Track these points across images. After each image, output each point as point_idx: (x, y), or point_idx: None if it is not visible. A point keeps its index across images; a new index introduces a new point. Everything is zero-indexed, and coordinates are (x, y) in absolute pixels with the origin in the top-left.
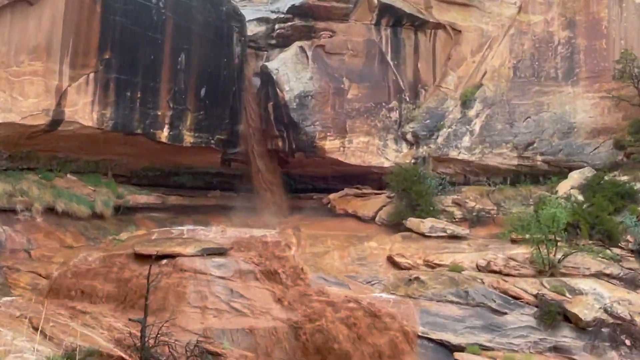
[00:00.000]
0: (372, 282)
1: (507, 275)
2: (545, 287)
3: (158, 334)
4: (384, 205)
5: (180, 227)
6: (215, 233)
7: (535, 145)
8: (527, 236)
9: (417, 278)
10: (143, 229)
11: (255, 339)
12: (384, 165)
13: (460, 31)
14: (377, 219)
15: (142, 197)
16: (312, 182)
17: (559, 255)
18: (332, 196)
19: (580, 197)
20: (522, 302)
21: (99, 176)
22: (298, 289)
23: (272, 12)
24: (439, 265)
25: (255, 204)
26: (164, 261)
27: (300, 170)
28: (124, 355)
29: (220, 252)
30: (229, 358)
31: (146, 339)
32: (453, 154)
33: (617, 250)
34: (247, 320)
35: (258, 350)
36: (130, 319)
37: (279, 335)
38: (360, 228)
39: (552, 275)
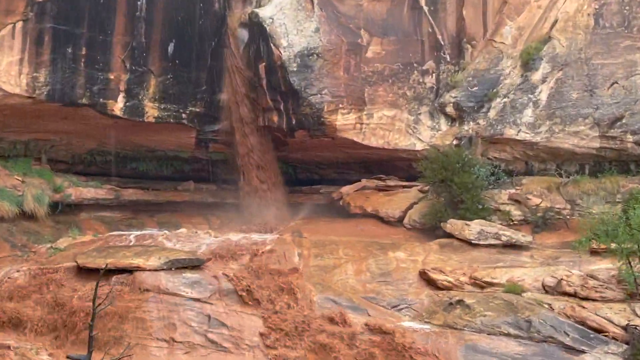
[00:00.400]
0: (399, 307)
1: (586, 299)
2: (638, 316)
3: None
4: (416, 203)
5: (140, 232)
6: (187, 239)
7: (624, 121)
8: (613, 246)
9: (460, 301)
10: (89, 234)
11: None
12: (416, 148)
13: None
14: (405, 220)
15: (89, 191)
16: (318, 170)
17: None
18: (345, 190)
19: None
20: (606, 336)
21: (29, 162)
22: (299, 315)
23: None
24: (491, 285)
25: (241, 201)
26: (118, 277)
27: (303, 154)
28: None
29: (195, 264)
30: None
31: None
32: (510, 132)
33: None
34: (230, 357)
35: None
36: (68, 357)
37: None
38: (383, 233)
39: None
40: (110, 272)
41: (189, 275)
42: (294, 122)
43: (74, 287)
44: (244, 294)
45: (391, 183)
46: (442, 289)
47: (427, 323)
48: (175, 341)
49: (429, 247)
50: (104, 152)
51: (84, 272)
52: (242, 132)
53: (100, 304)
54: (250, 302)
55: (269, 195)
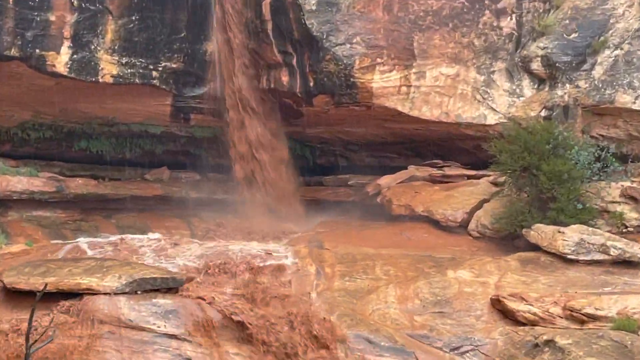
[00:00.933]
0: (462, 349)
1: None
2: None
3: None
4: (486, 200)
5: (92, 239)
6: (158, 249)
7: None
8: None
9: (550, 342)
10: (20, 242)
11: None
12: (487, 121)
13: None
14: (471, 225)
15: (19, 181)
16: (345, 153)
17: None
18: (384, 181)
19: None
20: None
21: None
22: (318, 358)
23: None
24: (594, 319)
25: (236, 196)
26: (62, 303)
27: (324, 130)
28: None
29: (170, 286)
30: None
31: None
32: (624, 99)
33: None
34: None
35: None
36: None
37: None
38: (438, 243)
39: None
40: (50, 296)
41: (162, 301)
42: (311, 84)
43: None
44: (239, 329)
45: (451, 172)
46: (523, 324)
47: None
48: None
49: (505, 263)
50: (41, 126)
51: (13, 295)
52: (236, 99)
53: (35, 342)
54: (247, 342)
55: (274, 188)
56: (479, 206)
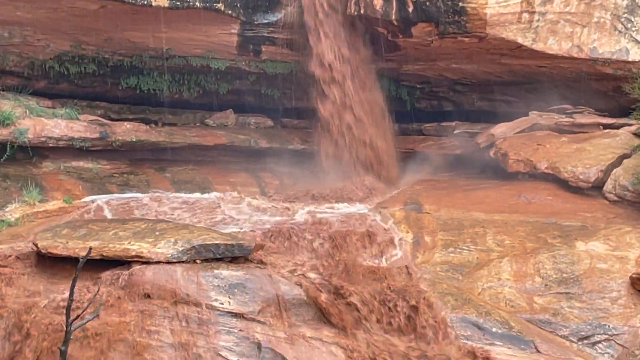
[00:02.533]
0: (593, 338)
1: None
2: None
3: None
4: (626, 155)
5: (142, 195)
6: (222, 209)
7: None
8: None
9: None
10: (58, 198)
11: None
12: (629, 57)
13: None
14: (607, 187)
15: (57, 125)
16: (451, 95)
17: None
18: (499, 130)
19: None
20: None
21: None
22: (413, 349)
23: None
24: None
25: (316, 147)
26: (106, 273)
27: (426, 67)
28: None
29: (236, 254)
30: None
31: None
32: None
33: None
34: None
35: None
36: None
37: None
38: (565, 208)
39: None
40: (92, 264)
41: (226, 273)
42: (410, 10)
43: (32, 288)
44: (320, 307)
45: (583, 120)
46: None
47: None
48: None
49: None
50: (82, 59)
51: (48, 262)
52: (318, 28)
53: (77, 318)
54: (330, 323)
55: (363, 138)
56: (617, 163)
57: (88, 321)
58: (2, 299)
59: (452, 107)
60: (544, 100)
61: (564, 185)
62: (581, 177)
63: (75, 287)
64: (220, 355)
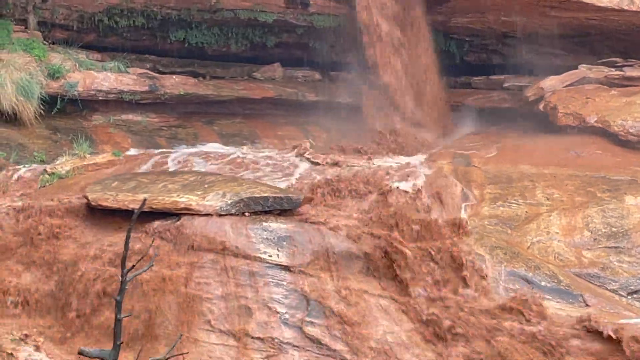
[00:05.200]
0: None
1: None
2: None
3: None
4: None
5: (191, 148)
6: (270, 165)
7: None
8: None
9: None
10: (107, 151)
11: None
12: None
13: None
14: None
15: (106, 78)
16: (500, 48)
17: None
18: (548, 84)
19: None
20: None
21: (8, 27)
22: (465, 300)
23: None
24: None
25: (364, 100)
26: (156, 224)
27: (475, 20)
28: None
29: (284, 207)
30: None
31: None
32: None
33: None
34: None
35: None
36: (81, 352)
37: None
38: (616, 162)
39: None
40: (141, 216)
41: (275, 225)
42: None
43: (83, 240)
44: (369, 260)
45: (633, 73)
46: None
47: None
48: (250, 337)
49: None
50: (131, 12)
51: (98, 215)
52: None
53: (132, 268)
54: (379, 276)
55: (412, 92)
56: None
57: (143, 271)
58: (54, 251)
59: (501, 60)
60: (593, 53)
61: (614, 139)
62: (631, 130)
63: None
64: (268, 307)
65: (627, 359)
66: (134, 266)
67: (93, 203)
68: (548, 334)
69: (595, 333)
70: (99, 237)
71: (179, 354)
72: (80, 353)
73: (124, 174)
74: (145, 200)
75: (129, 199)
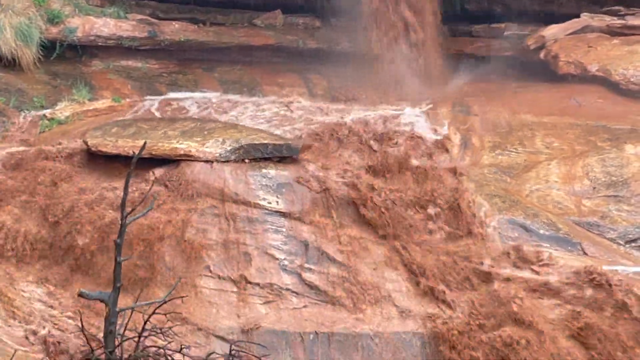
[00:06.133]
0: None
1: None
2: None
3: (143, 331)
4: None
5: (191, 95)
6: (270, 110)
7: None
8: None
9: None
10: (107, 97)
11: None
12: None
13: None
14: None
15: (105, 24)
16: None
17: None
18: (550, 32)
19: None
20: None
21: None
22: (460, 249)
23: None
24: None
25: (365, 48)
26: (156, 171)
27: None
28: None
29: (283, 155)
30: None
31: (117, 341)
32: None
33: None
34: (341, 316)
35: None
36: (81, 294)
37: (411, 357)
38: (616, 111)
39: None
40: (140, 162)
41: (274, 172)
42: None
43: (83, 185)
44: (367, 208)
45: (635, 22)
46: None
47: None
48: (249, 282)
49: None
50: None
51: (97, 160)
52: None
53: (131, 212)
54: (374, 223)
55: (413, 39)
56: None
57: (143, 214)
58: (53, 195)
59: (502, 9)
60: (596, 2)
61: (615, 88)
62: (632, 79)
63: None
64: (268, 253)
65: (622, 308)
66: (133, 210)
67: (93, 149)
68: (546, 281)
69: (592, 281)
70: (99, 183)
71: (178, 297)
72: (80, 295)
73: (124, 120)
74: (145, 144)
75: (129, 145)
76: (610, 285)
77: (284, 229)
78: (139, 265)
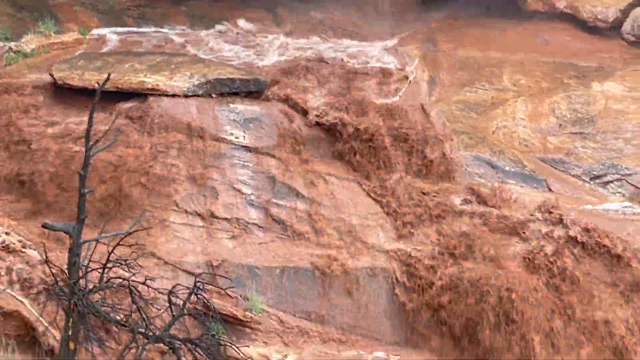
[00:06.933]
0: (606, 178)
1: None
2: None
3: (107, 263)
4: None
5: (159, 28)
6: (238, 45)
7: None
8: None
9: None
10: (73, 30)
11: (324, 294)
12: None
13: None
14: (625, 26)
15: None
16: None
17: None
18: None
19: None
20: None
21: None
22: (426, 186)
23: None
24: None
25: None
26: (122, 105)
27: None
28: (25, 313)
29: (251, 89)
30: (260, 329)
31: (81, 274)
32: None
33: None
34: (305, 250)
35: (332, 321)
36: (45, 225)
37: (381, 292)
38: (583, 49)
39: None
40: (108, 96)
41: (241, 107)
42: None
43: (49, 119)
44: (336, 144)
45: None
46: None
47: None
48: (216, 217)
49: None
50: None
51: (64, 93)
52: None
53: (95, 143)
54: (342, 159)
55: None
56: (636, 3)
57: (107, 146)
58: (19, 128)
59: None
60: None
61: (582, 25)
62: (600, 17)
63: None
64: (235, 188)
65: (596, 248)
66: (97, 141)
67: (60, 82)
68: (511, 218)
69: (555, 218)
70: (65, 116)
71: (142, 229)
72: (44, 226)
73: (91, 53)
74: (109, 75)
75: (95, 79)
76: (568, 222)
77: (251, 164)
78: (106, 199)
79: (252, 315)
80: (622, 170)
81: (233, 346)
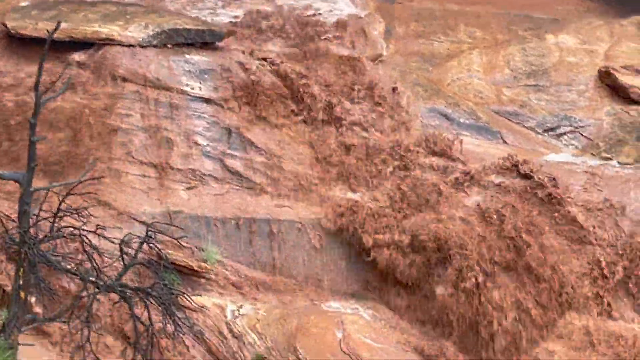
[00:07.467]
0: (559, 130)
1: None
2: None
3: (58, 212)
4: None
5: None
6: None
7: None
8: None
9: None
10: None
11: (279, 245)
12: None
13: None
14: None
15: None
16: None
17: None
18: None
19: None
20: None
21: None
22: (379, 139)
23: None
24: None
25: None
26: (76, 55)
27: None
28: None
29: (206, 40)
30: (215, 280)
31: (31, 223)
32: None
33: None
34: (262, 202)
35: (279, 270)
36: None
37: (335, 243)
38: (539, 1)
39: None
40: (61, 46)
41: (197, 58)
42: None
43: (2, 68)
44: (290, 96)
45: None
46: (636, 103)
47: (604, 160)
48: (171, 168)
49: (619, 29)
50: None
51: (17, 43)
52: None
53: (46, 91)
54: (298, 111)
55: None
56: None
57: (57, 95)
58: None
59: None
60: None
61: None
62: None
63: (45, 69)
64: (190, 139)
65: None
66: (48, 89)
67: (12, 32)
68: (465, 170)
69: (510, 170)
70: (18, 67)
71: (94, 178)
72: None
73: (44, 2)
74: (59, 23)
75: (50, 28)
76: (527, 175)
77: (206, 115)
78: (61, 150)
79: (207, 266)
80: (575, 122)
81: (185, 295)
